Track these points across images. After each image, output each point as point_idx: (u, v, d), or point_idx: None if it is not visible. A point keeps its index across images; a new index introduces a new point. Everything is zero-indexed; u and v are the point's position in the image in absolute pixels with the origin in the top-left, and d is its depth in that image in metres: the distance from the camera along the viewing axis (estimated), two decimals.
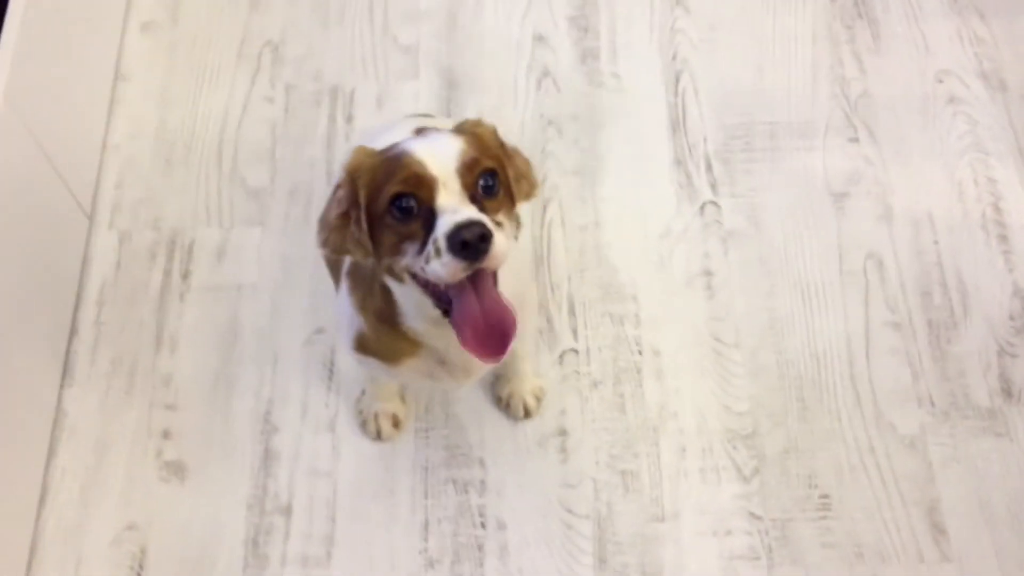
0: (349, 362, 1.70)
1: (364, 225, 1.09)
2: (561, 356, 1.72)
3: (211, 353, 1.72)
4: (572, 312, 1.76)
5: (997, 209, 1.86)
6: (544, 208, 1.86)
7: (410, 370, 1.30)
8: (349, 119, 1.95)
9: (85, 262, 1.80)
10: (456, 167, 1.04)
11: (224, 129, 1.94)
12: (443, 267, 1.01)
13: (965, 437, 1.65)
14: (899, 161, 1.92)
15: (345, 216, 1.11)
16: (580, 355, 1.72)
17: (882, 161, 1.91)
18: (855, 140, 1.94)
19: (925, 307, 1.76)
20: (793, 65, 2.03)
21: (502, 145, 1.15)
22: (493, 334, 1.07)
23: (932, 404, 1.68)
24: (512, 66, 2.03)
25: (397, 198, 1.05)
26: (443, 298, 1.09)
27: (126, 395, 1.69)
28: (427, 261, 1.03)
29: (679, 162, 1.91)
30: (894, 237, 1.84)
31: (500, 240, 1.02)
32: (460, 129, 1.13)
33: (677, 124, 1.95)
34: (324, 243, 1.14)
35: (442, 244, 1.01)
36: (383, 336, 1.26)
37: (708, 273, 1.80)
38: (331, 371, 1.71)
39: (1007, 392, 1.68)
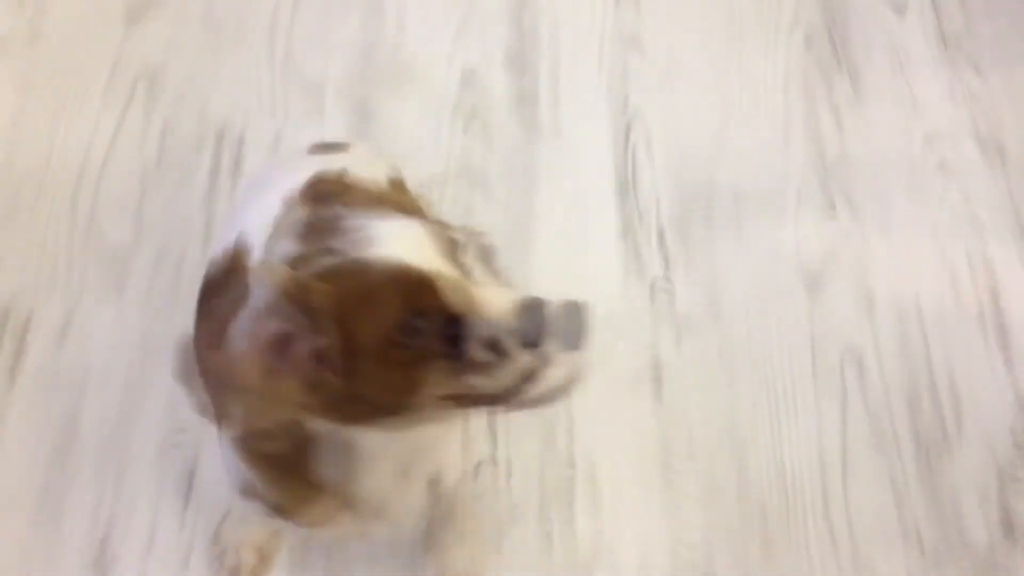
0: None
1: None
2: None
3: (38, 459, 1.38)
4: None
5: (995, 298, 1.58)
6: None
7: (307, 519, 0.98)
8: (237, 163, 1.63)
9: None
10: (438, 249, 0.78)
11: (83, 174, 1.61)
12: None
13: None
14: (882, 237, 1.64)
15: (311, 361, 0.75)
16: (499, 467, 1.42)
17: (863, 236, 1.64)
18: (831, 208, 1.66)
19: (912, 418, 1.48)
20: (762, 117, 1.75)
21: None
22: None
23: (920, 541, 1.39)
24: (435, 106, 1.72)
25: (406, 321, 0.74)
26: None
27: None
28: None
29: (627, 231, 1.61)
30: (876, 328, 1.55)
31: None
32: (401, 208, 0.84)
33: (626, 185, 1.66)
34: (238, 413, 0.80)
35: (512, 342, 0.74)
36: (282, 484, 0.94)
37: (657, 367, 1.51)
38: (190, 485, 1.38)
39: (1008, 528, 1.40)
